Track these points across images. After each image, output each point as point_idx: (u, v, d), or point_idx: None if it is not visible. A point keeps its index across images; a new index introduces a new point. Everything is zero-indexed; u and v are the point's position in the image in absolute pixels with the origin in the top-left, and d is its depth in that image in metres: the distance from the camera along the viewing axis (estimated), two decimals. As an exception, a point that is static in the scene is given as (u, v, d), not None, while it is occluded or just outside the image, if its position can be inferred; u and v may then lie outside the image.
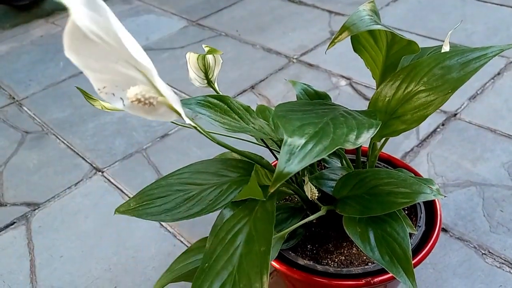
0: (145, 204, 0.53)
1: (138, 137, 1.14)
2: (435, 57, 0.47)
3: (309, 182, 0.54)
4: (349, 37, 0.54)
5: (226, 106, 0.53)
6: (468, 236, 0.81)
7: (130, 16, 1.77)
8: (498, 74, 1.21)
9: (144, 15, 1.77)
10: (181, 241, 0.86)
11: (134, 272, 0.82)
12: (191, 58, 0.48)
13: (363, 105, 1.13)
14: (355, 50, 0.57)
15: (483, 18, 1.49)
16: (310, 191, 0.54)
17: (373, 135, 0.41)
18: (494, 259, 0.77)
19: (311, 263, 0.59)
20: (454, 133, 1.04)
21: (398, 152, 1.00)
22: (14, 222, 0.94)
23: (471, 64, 0.44)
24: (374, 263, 0.58)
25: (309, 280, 0.57)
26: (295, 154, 0.37)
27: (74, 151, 1.11)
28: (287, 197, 0.69)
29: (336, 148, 0.38)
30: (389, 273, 0.54)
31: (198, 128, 0.44)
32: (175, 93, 0.35)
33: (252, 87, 1.28)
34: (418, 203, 0.64)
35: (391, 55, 0.55)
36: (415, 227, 0.61)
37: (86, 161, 1.08)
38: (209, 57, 0.49)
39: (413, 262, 0.56)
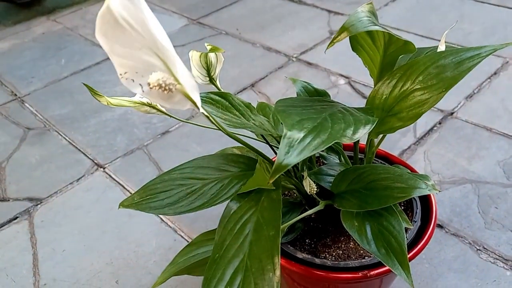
0: (148, 198, 0.55)
1: (139, 133, 1.15)
2: (431, 57, 0.49)
3: (308, 177, 0.56)
4: (347, 38, 0.56)
5: (227, 103, 0.54)
6: (463, 232, 0.83)
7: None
8: (495, 73, 1.23)
9: (145, 13, 1.78)
10: (182, 236, 0.88)
11: (135, 266, 0.83)
12: (194, 56, 0.50)
13: (361, 104, 1.15)
14: (353, 49, 0.59)
15: (481, 18, 1.51)
16: (309, 186, 0.56)
17: (369, 131, 0.43)
18: (489, 254, 0.79)
19: (310, 257, 0.60)
20: (450, 132, 1.05)
21: (395, 150, 1.01)
22: (17, 217, 0.96)
23: (465, 64, 0.46)
24: (370, 257, 0.60)
25: (308, 273, 0.58)
26: (294, 147, 0.38)
27: (76, 147, 1.13)
28: (287, 192, 0.71)
29: (334, 142, 0.40)
30: (385, 267, 0.56)
31: (210, 118, 0.46)
32: None
33: (252, 85, 1.30)
34: (414, 199, 0.66)
35: (388, 54, 0.56)
36: (411, 222, 0.63)
37: (87, 157, 1.09)
38: (211, 55, 0.51)
39: (408, 255, 0.58)
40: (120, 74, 0.37)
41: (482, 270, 0.76)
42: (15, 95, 1.35)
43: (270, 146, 0.62)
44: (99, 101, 0.46)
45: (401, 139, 1.04)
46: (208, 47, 0.49)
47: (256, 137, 0.67)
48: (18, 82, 1.41)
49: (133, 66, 0.37)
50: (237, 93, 1.27)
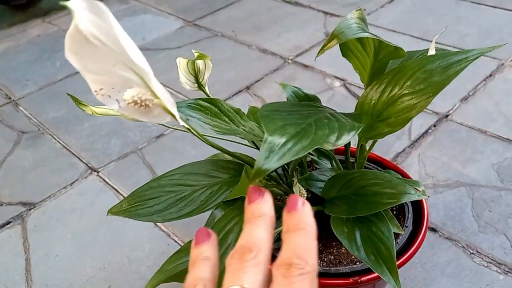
0: (137, 205, 0.55)
1: (133, 137, 1.15)
2: (419, 61, 0.48)
3: (297, 183, 0.55)
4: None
5: (216, 109, 0.54)
6: (457, 236, 0.82)
7: (127, 16, 1.78)
8: (490, 76, 1.23)
9: (141, 15, 1.78)
10: (175, 241, 0.88)
11: (128, 271, 0.83)
12: (181, 62, 0.49)
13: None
14: (343, 55, 0.58)
15: (477, 20, 1.51)
16: (299, 191, 0.56)
17: (353, 137, 0.42)
18: (482, 258, 0.78)
19: (300, 262, 0.60)
20: (445, 134, 1.05)
21: (390, 153, 1.01)
22: (10, 222, 0.95)
23: (452, 68, 0.46)
24: (362, 262, 0.59)
25: (298, 278, 0.58)
26: (274, 152, 0.38)
27: (70, 151, 1.12)
28: (278, 198, 0.70)
29: (315, 147, 0.39)
30: (375, 272, 0.56)
31: (191, 130, 0.45)
32: (171, 93, 0.37)
33: (248, 88, 1.30)
34: (406, 204, 0.65)
35: (378, 60, 0.56)
36: (402, 227, 0.62)
37: (81, 161, 1.09)
38: (199, 62, 0.50)
39: (399, 261, 0.58)
40: (95, 91, 0.36)
41: (476, 274, 0.76)
42: (10, 98, 1.35)
43: (261, 151, 0.62)
44: (83, 110, 0.45)
45: (396, 142, 1.04)
46: (195, 54, 0.48)
47: (247, 143, 0.66)
48: (13, 85, 1.41)
49: (108, 82, 0.36)
50: (233, 95, 1.27)
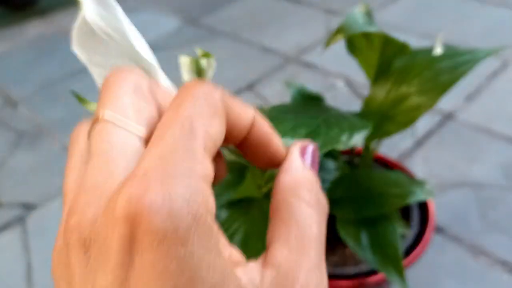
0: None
1: (134, 137, 1.14)
2: (426, 60, 0.47)
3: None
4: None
5: (219, 108, 0.53)
6: (462, 236, 0.81)
7: (126, 14, 1.77)
8: (495, 74, 1.22)
9: (140, 14, 1.77)
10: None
11: (129, 272, 0.82)
12: (184, 61, 0.48)
13: (360, 105, 1.14)
14: (349, 51, 0.57)
15: (481, 18, 1.50)
16: (304, 192, 0.55)
17: (365, 136, 0.42)
18: (487, 259, 0.77)
19: (305, 264, 0.59)
20: (450, 134, 1.04)
21: (394, 152, 1.00)
22: (10, 224, 0.94)
23: (460, 67, 0.45)
24: (367, 264, 0.59)
25: (303, 280, 0.57)
26: (287, 155, 0.37)
27: (70, 152, 1.11)
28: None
29: (328, 149, 0.39)
30: (381, 274, 0.55)
31: None
32: None
33: (249, 87, 1.29)
34: (412, 205, 0.65)
35: (384, 56, 0.55)
36: (409, 228, 0.62)
37: (82, 161, 1.08)
38: (203, 60, 0.49)
39: (405, 262, 0.57)
40: (100, 85, 0.35)
41: (481, 274, 0.75)
42: (8, 98, 1.34)
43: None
44: (87, 108, 0.45)
45: (400, 142, 1.03)
46: (199, 52, 0.48)
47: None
48: (11, 85, 1.40)
49: None
50: (234, 94, 1.26)
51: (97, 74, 0.36)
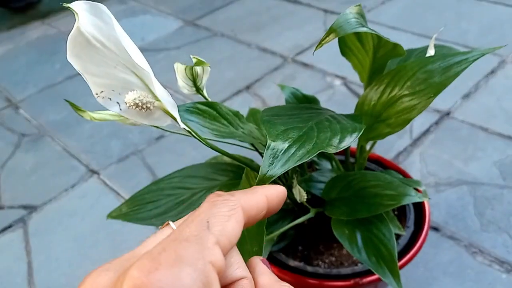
0: (136, 209, 0.54)
1: (133, 138, 1.15)
2: (419, 62, 0.48)
3: (297, 185, 0.55)
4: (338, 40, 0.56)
5: (215, 112, 0.54)
6: (459, 235, 0.82)
7: (126, 16, 1.78)
8: (492, 72, 1.22)
9: (140, 15, 1.78)
10: (176, 242, 0.87)
11: (129, 273, 0.83)
12: (179, 68, 0.49)
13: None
14: (342, 53, 0.58)
15: (478, 16, 1.50)
16: (299, 193, 0.55)
17: (356, 139, 0.42)
18: (484, 257, 0.78)
19: (302, 264, 0.60)
20: (446, 132, 1.05)
21: (391, 152, 1.01)
22: (12, 225, 0.95)
23: (452, 69, 0.45)
24: (363, 264, 0.59)
25: (300, 281, 0.58)
26: (278, 158, 0.37)
27: (70, 153, 1.12)
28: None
29: (319, 152, 0.39)
30: (377, 274, 0.56)
31: (192, 133, 0.45)
32: (170, 94, 0.37)
33: (248, 87, 1.29)
34: (408, 205, 0.65)
35: (377, 58, 0.56)
36: (404, 228, 0.62)
37: (82, 163, 1.09)
38: (197, 67, 0.50)
39: (401, 262, 0.57)
40: (96, 94, 0.36)
41: (478, 273, 0.76)
42: (10, 100, 1.35)
43: (260, 153, 0.62)
44: (82, 116, 0.45)
45: (397, 140, 1.04)
46: (194, 60, 0.48)
47: (247, 145, 0.66)
48: (13, 87, 1.41)
49: (109, 84, 0.36)
50: (233, 95, 1.27)
51: (92, 83, 0.36)
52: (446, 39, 1.35)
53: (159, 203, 0.55)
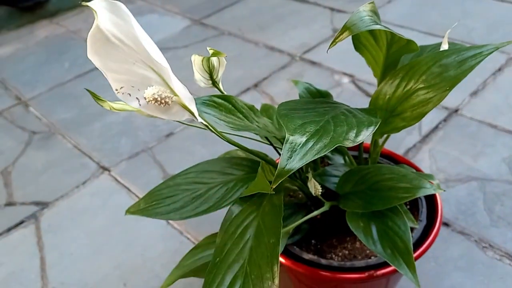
0: (154, 204, 0.55)
1: (143, 136, 1.16)
2: (433, 56, 0.48)
3: (312, 179, 0.56)
4: (350, 36, 0.56)
5: (230, 106, 0.54)
6: (469, 230, 0.82)
7: (133, 15, 1.78)
8: (499, 69, 1.22)
9: (147, 15, 1.79)
10: (188, 238, 0.88)
11: (142, 269, 0.84)
12: (196, 60, 0.50)
13: (366, 102, 1.15)
14: (356, 49, 0.59)
15: (484, 14, 1.50)
16: (314, 187, 0.56)
17: (372, 132, 0.43)
18: (495, 252, 0.78)
19: (315, 258, 0.60)
20: (455, 129, 1.05)
21: (400, 148, 1.01)
22: (24, 221, 0.96)
23: (467, 62, 0.46)
24: (376, 256, 0.60)
25: (314, 273, 0.59)
26: (296, 152, 0.38)
27: (81, 151, 1.13)
28: (292, 193, 0.71)
29: (336, 145, 0.40)
30: (390, 266, 0.56)
31: (209, 126, 0.46)
32: None
33: (256, 85, 1.30)
34: (420, 198, 0.66)
35: (391, 54, 0.56)
36: (417, 222, 0.63)
37: (93, 160, 1.10)
38: (214, 59, 0.51)
39: (414, 255, 0.58)
40: (116, 89, 0.37)
41: (488, 267, 0.76)
42: (20, 99, 1.36)
43: (275, 147, 0.62)
44: (102, 106, 0.46)
45: (407, 137, 1.04)
46: (210, 51, 0.49)
47: (260, 139, 0.67)
48: (23, 86, 1.42)
49: (128, 80, 0.37)
50: (241, 93, 1.27)
51: (112, 79, 0.37)
52: (453, 37, 1.35)
53: (176, 198, 0.55)
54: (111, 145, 1.14)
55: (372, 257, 0.60)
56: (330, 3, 1.69)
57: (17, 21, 1.80)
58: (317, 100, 0.57)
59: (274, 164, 0.56)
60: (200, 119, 0.40)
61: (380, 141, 0.63)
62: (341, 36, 0.50)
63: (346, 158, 0.66)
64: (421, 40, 1.37)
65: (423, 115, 0.49)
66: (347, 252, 0.62)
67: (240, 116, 0.57)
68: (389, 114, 0.52)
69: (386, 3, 1.64)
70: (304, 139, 0.40)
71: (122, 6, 0.35)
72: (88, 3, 0.33)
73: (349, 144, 0.41)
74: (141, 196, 0.69)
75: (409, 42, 0.52)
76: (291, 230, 0.59)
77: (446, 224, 0.84)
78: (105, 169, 1.07)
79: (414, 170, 0.66)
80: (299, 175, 0.63)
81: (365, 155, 0.71)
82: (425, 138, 1.04)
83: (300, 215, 0.62)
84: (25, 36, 1.72)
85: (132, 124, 1.20)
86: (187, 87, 0.41)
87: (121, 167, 1.07)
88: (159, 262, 0.84)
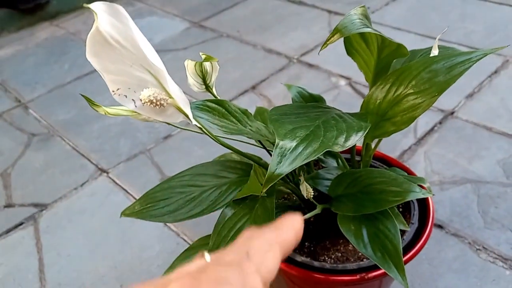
0: (149, 207, 0.56)
1: (142, 137, 1.16)
2: (423, 61, 0.49)
3: (304, 182, 0.56)
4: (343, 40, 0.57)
5: (224, 110, 0.55)
6: (463, 232, 0.83)
7: (133, 18, 1.77)
8: (495, 72, 1.23)
9: (147, 17, 1.80)
10: (184, 240, 0.89)
11: (139, 270, 0.84)
12: (189, 65, 0.50)
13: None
14: (348, 53, 0.59)
15: (483, 17, 1.51)
16: (306, 190, 0.57)
17: (361, 137, 0.43)
18: (488, 254, 0.79)
19: (308, 260, 0.61)
20: (451, 131, 1.06)
21: (396, 151, 1.02)
22: (23, 223, 0.97)
23: (456, 68, 0.46)
24: (369, 259, 0.60)
25: (307, 276, 0.59)
26: (286, 156, 0.39)
27: (80, 152, 1.14)
28: (285, 196, 0.72)
29: (325, 150, 0.41)
30: (382, 269, 0.57)
31: (203, 129, 0.47)
32: None
33: (253, 87, 1.31)
34: (412, 201, 0.66)
35: (382, 58, 0.57)
36: (408, 224, 0.63)
37: (91, 162, 1.11)
38: (206, 64, 0.52)
39: (405, 257, 0.58)
40: (113, 91, 0.38)
41: (482, 269, 0.77)
42: (19, 101, 1.37)
43: (268, 151, 0.63)
44: (96, 111, 0.47)
45: (402, 139, 1.05)
46: (203, 56, 0.50)
47: (254, 142, 0.67)
48: (22, 88, 1.43)
49: (125, 82, 0.38)
50: (239, 95, 1.28)
51: (109, 81, 0.38)
52: (451, 40, 1.36)
53: (170, 200, 0.56)
54: (110, 147, 1.15)
55: (365, 260, 0.61)
56: (328, 6, 1.70)
57: (18, 23, 1.81)
58: (309, 104, 0.58)
59: (267, 167, 0.57)
60: (194, 122, 0.41)
61: (372, 144, 0.63)
62: (332, 38, 0.51)
63: (339, 161, 0.67)
64: (419, 43, 1.38)
65: (412, 119, 0.50)
66: (340, 254, 0.63)
67: (234, 120, 0.57)
68: (380, 119, 0.53)
69: (384, 6, 1.64)
70: (294, 144, 0.41)
71: (121, 9, 0.36)
72: (89, 5, 0.34)
73: (338, 149, 0.42)
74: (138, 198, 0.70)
75: (400, 46, 0.52)
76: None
77: (440, 226, 0.84)
78: (103, 170, 1.08)
79: (406, 174, 0.67)
80: (292, 178, 0.64)
81: (357, 158, 0.72)
82: (421, 140, 1.04)
83: (293, 218, 0.62)
84: (25, 38, 1.73)
85: (130, 126, 1.21)
86: (186, 88, 0.42)
87: (119, 169, 1.08)
88: (155, 263, 0.85)
